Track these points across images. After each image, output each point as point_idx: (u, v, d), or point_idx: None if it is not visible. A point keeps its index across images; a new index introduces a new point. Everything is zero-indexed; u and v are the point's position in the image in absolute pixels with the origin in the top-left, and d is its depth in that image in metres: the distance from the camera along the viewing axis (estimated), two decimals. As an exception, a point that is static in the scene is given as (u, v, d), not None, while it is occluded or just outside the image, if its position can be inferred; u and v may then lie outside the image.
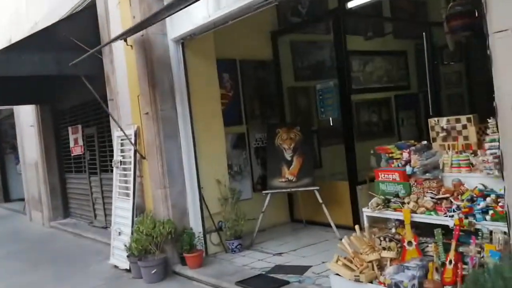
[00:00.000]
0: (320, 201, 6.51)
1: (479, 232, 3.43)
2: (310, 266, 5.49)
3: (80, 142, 9.76)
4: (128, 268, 6.36)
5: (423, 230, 4.19)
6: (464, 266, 3.39)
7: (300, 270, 5.41)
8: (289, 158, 6.93)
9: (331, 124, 7.33)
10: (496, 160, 3.50)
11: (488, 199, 3.55)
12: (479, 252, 3.35)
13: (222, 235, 6.50)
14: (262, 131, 7.58)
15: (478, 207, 3.55)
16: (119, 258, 6.67)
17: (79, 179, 10.27)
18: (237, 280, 5.25)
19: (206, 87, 6.50)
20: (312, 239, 6.68)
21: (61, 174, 10.98)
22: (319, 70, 7.93)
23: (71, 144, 10.10)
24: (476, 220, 3.54)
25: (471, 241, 3.39)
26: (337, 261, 4.12)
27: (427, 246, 3.96)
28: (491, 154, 3.60)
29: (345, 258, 4.20)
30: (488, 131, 3.78)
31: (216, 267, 5.95)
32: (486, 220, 3.49)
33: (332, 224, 6.51)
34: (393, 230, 4.45)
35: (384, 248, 4.26)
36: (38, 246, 9.08)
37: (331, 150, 7.72)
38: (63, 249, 8.54)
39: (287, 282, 5.06)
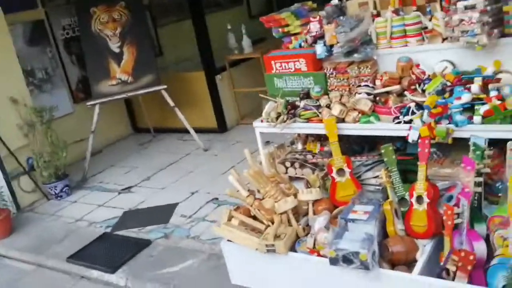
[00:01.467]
0: (172, 104, 4.78)
1: (472, 148, 2.00)
2: (176, 205, 3.85)
3: None
4: None
5: (349, 144, 2.72)
6: (457, 210, 1.96)
7: (163, 214, 3.73)
8: (116, 50, 4.93)
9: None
10: (488, 19, 2.00)
11: (473, 86, 2.08)
12: (478, 184, 1.95)
13: (37, 177, 4.43)
14: (70, 15, 5.44)
15: (458, 102, 2.08)
16: None
17: None
18: (70, 255, 3.40)
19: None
20: (168, 156, 5.02)
21: None
22: None
23: None
24: (457, 125, 2.09)
25: (464, 164, 1.95)
26: (229, 219, 2.47)
27: (365, 172, 2.49)
28: (471, 7, 2.08)
29: (237, 209, 2.58)
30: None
31: (34, 230, 4.00)
32: (473, 124, 2.06)
33: (191, 131, 4.97)
34: (300, 147, 2.90)
35: (291, 178, 2.73)
36: None
37: (172, 29, 5.99)
38: None
39: (148, 242, 3.37)
